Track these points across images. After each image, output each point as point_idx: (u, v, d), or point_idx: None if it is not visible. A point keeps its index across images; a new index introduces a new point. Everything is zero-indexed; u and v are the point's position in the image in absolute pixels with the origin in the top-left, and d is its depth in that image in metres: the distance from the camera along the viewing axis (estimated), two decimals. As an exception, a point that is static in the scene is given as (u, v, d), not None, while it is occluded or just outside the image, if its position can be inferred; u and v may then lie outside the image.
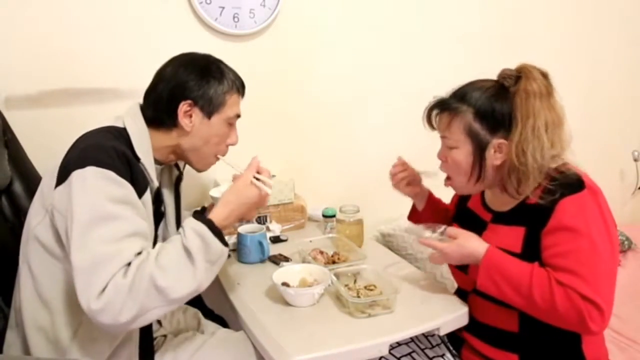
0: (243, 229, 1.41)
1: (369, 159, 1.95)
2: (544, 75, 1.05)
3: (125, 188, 0.92)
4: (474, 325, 1.12)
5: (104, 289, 0.83)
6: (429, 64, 2.00)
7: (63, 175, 0.91)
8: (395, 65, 1.95)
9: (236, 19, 1.64)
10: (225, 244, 0.95)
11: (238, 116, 1.14)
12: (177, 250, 0.90)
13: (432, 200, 1.38)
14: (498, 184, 1.10)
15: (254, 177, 1.03)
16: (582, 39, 2.34)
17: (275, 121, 1.77)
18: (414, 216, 1.42)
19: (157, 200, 1.10)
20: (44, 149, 1.41)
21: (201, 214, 0.98)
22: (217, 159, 1.14)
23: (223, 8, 1.61)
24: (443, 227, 1.15)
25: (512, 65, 1.09)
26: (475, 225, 1.17)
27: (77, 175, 0.89)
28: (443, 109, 1.11)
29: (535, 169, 1.01)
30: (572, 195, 1.00)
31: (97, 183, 0.89)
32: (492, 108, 1.04)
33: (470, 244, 1.06)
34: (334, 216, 1.57)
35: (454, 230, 1.11)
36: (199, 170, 1.17)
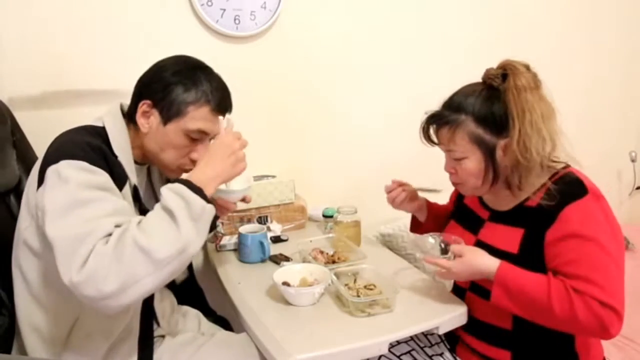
0: (244, 229, 1.43)
1: (369, 159, 1.96)
2: (528, 68, 1.05)
3: (102, 176, 0.91)
4: (469, 323, 1.13)
5: (85, 261, 0.80)
6: (429, 65, 2.01)
7: (41, 177, 0.91)
8: (395, 67, 1.96)
9: (237, 21, 1.65)
10: (207, 200, 0.90)
11: (203, 132, 1.04)
12: (158, 212, 0.87)
13: (432, 209, 1.38)
14: (504, 181, 1.09)
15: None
16: (579, 39, 2.35)
17: (275, 122, 1.78)
18: (417, 228, 1.42)
19: (137, 198, 1.06)
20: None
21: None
22: (183, 170, 1.07)
23: (224, 10, 1.62)
24: (452, 237, 1.14)
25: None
26: (473, 222, 1.17)
27: (51, 171, 0.89)
28: (441, 123, 1.09)
29: (537, 163, 1.01)
30: (576, 202, 0.99)
31: (70, 173, 0.87)
32: (490, 110, 1.04)
33: (480, 261, 1.04)
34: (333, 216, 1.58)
35: (459, 247, 1.08)
36: (167, 177, 1.12)
